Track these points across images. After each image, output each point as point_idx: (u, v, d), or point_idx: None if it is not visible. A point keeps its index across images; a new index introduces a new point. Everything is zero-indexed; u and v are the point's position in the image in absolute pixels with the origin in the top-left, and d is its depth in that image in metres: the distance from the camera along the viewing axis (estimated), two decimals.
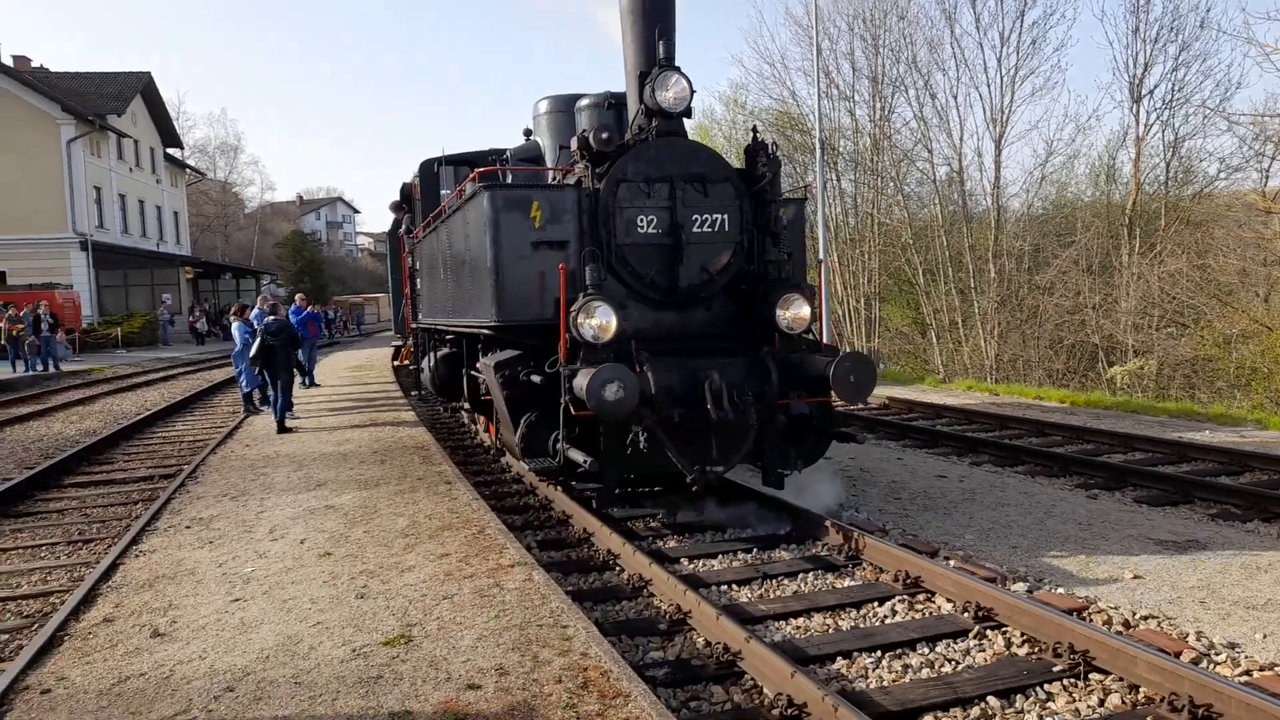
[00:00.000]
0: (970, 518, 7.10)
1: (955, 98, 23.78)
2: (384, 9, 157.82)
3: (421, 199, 12.18)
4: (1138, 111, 21.66)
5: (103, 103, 37.36)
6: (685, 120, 6.94)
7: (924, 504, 7.61)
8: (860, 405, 14.00)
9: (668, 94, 6.64)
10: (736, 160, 7.62)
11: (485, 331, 7.48)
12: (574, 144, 6.89)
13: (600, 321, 6.14)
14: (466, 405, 10.59)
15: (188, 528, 6.57)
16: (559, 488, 7.47)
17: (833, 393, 6.54)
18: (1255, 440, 10.17)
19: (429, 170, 11.88)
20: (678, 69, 6.68)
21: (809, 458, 7.13)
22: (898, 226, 25.31)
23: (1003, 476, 8.70)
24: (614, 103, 7.96)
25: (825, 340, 20.34)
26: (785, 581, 5.77)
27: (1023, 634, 4.75)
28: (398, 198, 14.95)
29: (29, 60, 39.75)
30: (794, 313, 6.78)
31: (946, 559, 6.03)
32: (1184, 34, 21.01)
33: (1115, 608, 5.10)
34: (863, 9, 25.29)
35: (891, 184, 25.46)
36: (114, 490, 8.84)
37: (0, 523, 7.62)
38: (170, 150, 46.75)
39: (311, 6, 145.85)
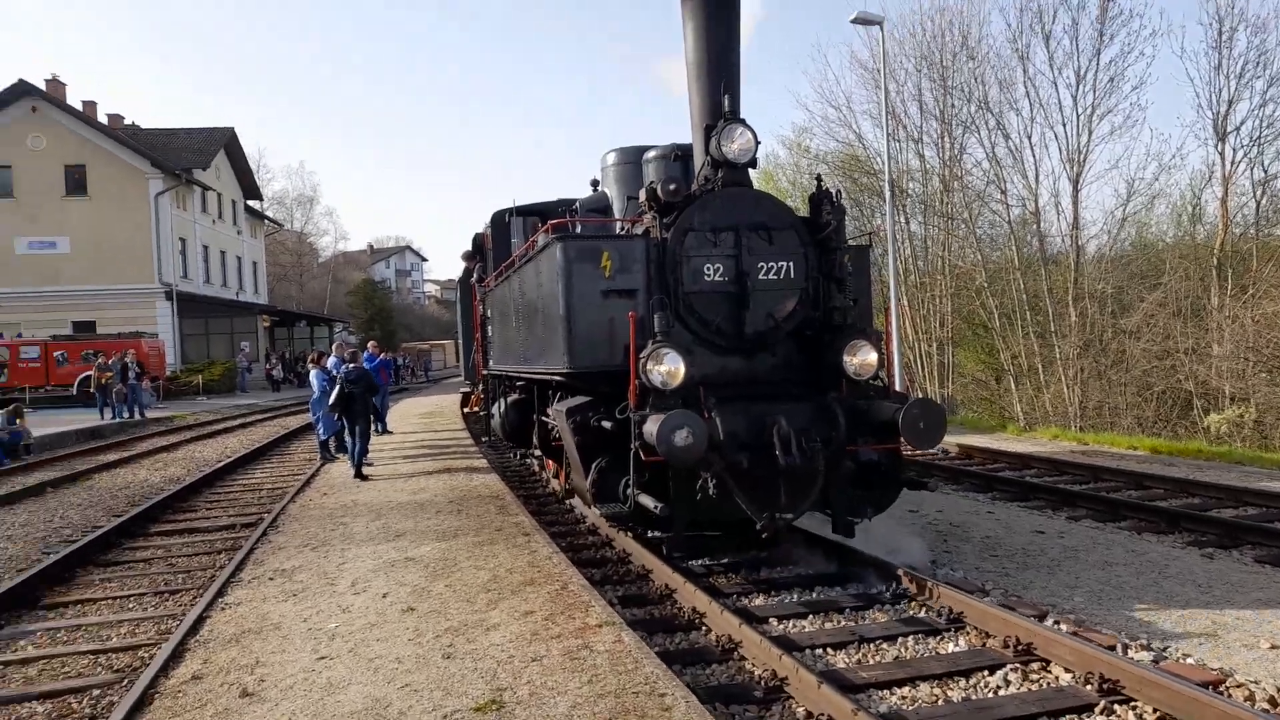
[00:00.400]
0: (1076, 577, 6.67)
1: (1030, 138, 23.28)
2: (458, 63, 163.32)
3: (493, 248, 12.43)
4: (1223, 149, 20.89)
5: (188, 157, 39.12)
6: (749, 169, 7.06)
7: (1023, 561, 7.20)
8: (939, 454, 13.59)
9: (733, 145, 6.80)
10: (801, 207, 7.59)
11: (557, 378, 7.53)
12: (642, 195, 7.05)
13: (669, 368, 6.23)
14: (537, 451, 10.59)
15: (271, 579, 6.56)
16: (630, 534, 7.48)
17: (902, 439, 6.48)
18: None
19: (500, 221, 12.12)
20: (743, 121, 6.85)
21: (879, 505, 7.04)
22: (971, 269, 24.73)
23: (1105, 533, 8.21)
24: (680, 154, 8.15)
25: (896, 387, 19.87)
26: (884, 645, 5.47)
27: (1155, 709, 4.37)
28: (469, 248, 15.33)
29: (122, 118, 41.96)
30: (861, 359, 6.79)
31: (1058, 623, 5.65)
32: (1271, 69, 20.27)
33: (1256, 681, 4.67)
34: (930, 50, 25.10)
35: (964, 225, 24.96)
36: (198, 539, 8.95)
37: (91, 571, 7.74)
38: (250, 202, 48.65)
39: (391, 57, 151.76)
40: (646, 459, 6.11)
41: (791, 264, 6.91)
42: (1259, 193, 20.55)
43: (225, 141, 43.04)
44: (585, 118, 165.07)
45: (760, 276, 6.83)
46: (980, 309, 24.25)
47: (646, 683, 4.11)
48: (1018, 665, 5.03)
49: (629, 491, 6.34)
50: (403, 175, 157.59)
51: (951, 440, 14.93)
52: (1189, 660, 5.00)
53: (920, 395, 7.16)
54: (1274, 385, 16.82)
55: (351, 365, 11.88)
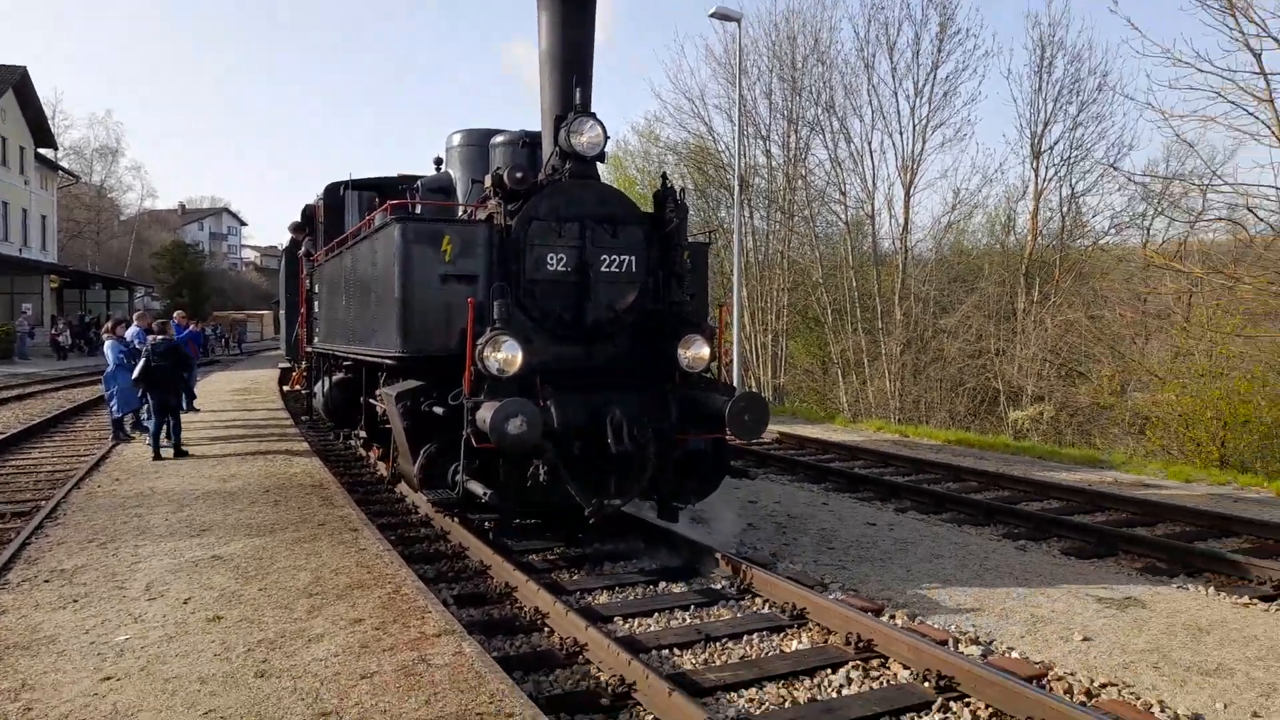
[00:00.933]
0: (908, 570, 6.88)
1: (870, 143, 24.39)
2: (296, 21, 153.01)
3: (324, 221, 11.88)
4: (1037, 166, 22.70)
5: None
6: (599, 160, 7.14)
7: (858, 554, 7.37)
8: (774, 444, 13.94)
9: (583, 139, 6.91)
10: (648, 195, 7.76)
11: (388, 361, 7.36)
12: (488, 180, 7.02)
13: (506, 355, 6.28)
14: (362, 434, 10.19)
15: (46, 582, 5.68)
16: (456, 519, 7.52)
17: (728, 430, 6.75)
18: (1167, 493, 10.41)
19: (334, 193, 11.62)
20: (593, 115, 6.95)
21: (701, 492, 7.38)
22: (809, 265, 25.65)
23: (930, 525, 8.58)
24: (528, 142, 8.13)
25: (735, 377, 20.41)
26: (730, 644, 5.38)
27: (988, 706, 4.49)
28: (298, 218, 14.45)
29: None
30: (694, 352, 7.05)
31: (893, 618, 5.77)
32: (1082, 95, 22.18)
33: (1073, 673, 4.91)
34: (782, 52, 25.72)
35: (804, 223, 25.83)
36: None
37: None
38: (42, 150, 43.52)
39: (223, 12, 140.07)
40: (478, 445, 6.16)
41: (634, 258, 7.06)
42: (1066, 208, 22.52)
43: (15, 81, 38.28)
44: (425, 93, 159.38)
45: (603, 269, 6.95)
46: (815, 304, 25.21)
47: (492, 700, 3.77)
48: (859, 663, 5.07)
49: (458, 478, 6.36)
50: (223, 132, 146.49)
51: (786, 430, 15.37)
52: (1014, 654, 5.20)
53: (748, 389, 7.51)
54: (1069, 385, 18.49)
55: (161, 337, 10.78)
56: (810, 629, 5.62)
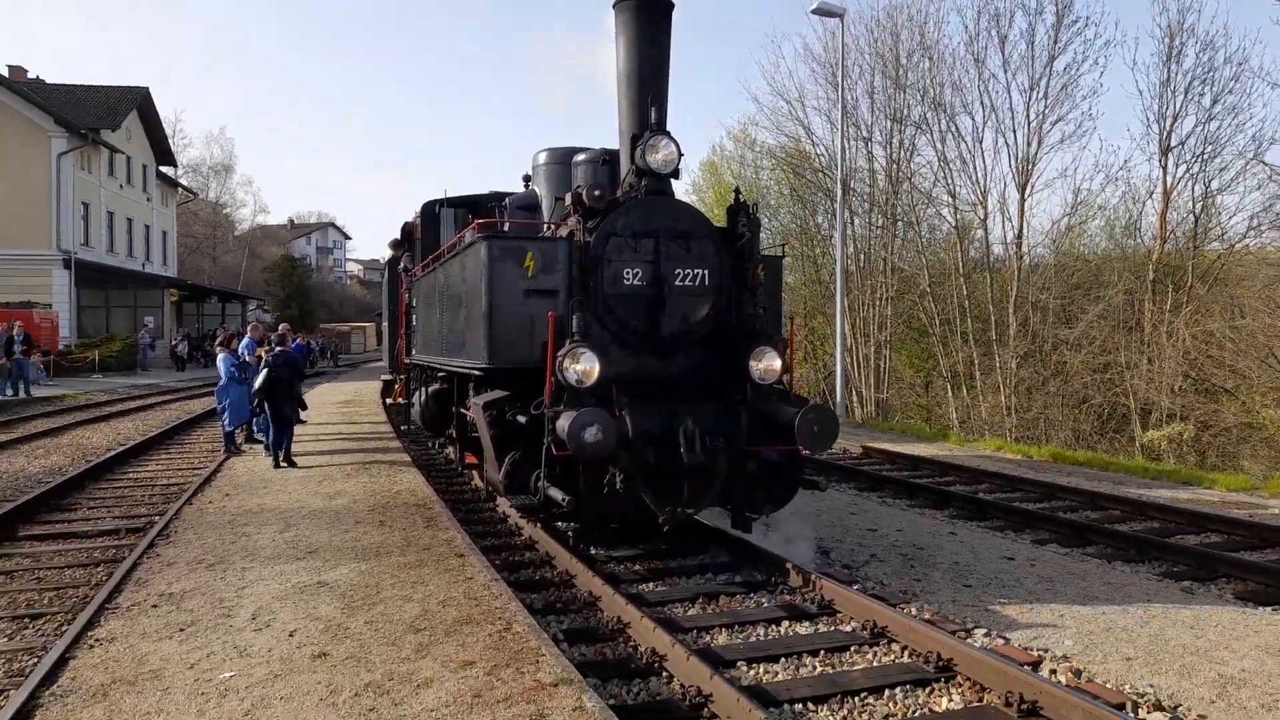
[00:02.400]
0: (1060, 616, 6.16)
1: (981, 142, 23.16)
2: (400, 40, 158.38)
3: (421, 238, 12.34)
4: (1165, 163, 21.06)
5: (97, 117, 36.49)
6: (674, 180, 7.36)
7: (1000, 593, 6.68)
8: (888, 466, 13.21)
9: (657, 156, 7.11)
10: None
11: (476, 372, 7.67)
12: (569, 198, 7.26)
13: (584, 367, 6.51)
14: (454, 439, 10.45)
15: (155, 607, 5.56)
16: (539, 525, 7.77)
17: (797, 441, 6.79)
18: None
19: (430, 211, 12.04)
20: (668, 134, 7.14)
21: (777, 503, 7.43)
22: (914, 272, 24.57)
23: (1076, 560, 7.79)
24: (608, 159, 8.37)
25: (838, 389, 19.62)
26: (871, 700, 4.83)
27: None
28: (398, 235, 15.10)
29: (24, 70, 38.95)
30: (766, 364, 7.16)
31: (1054, 673, 5.12)
32: (1217, 85, 20.48)
33: None
34: (885, 48, 24.80)
35: (910, 228, 24.78)
36: (74, 547, 7.81)
37: None
38: (163, 168, 45.85)
39: (327, 27, 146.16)
40: (557, 453, 6.37)
41: (707, 271, 7.22)
42: (1198, 208, 20.80)
43: (138, 102, 40.38)
44: (520, 111, 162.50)
45: (677, 282, 7.13)
46: (921, 313, 24.12)
47: None
48: None
49: (539, 484, 6.58)
50: (330, 150, 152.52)
51: (897, 449, 14.59)
52: None
53: (818, 401, 7.52)
54: (1211, 402, 16.98)
55: (280, 349, 11.32)
56: (960, 684, 5.01)
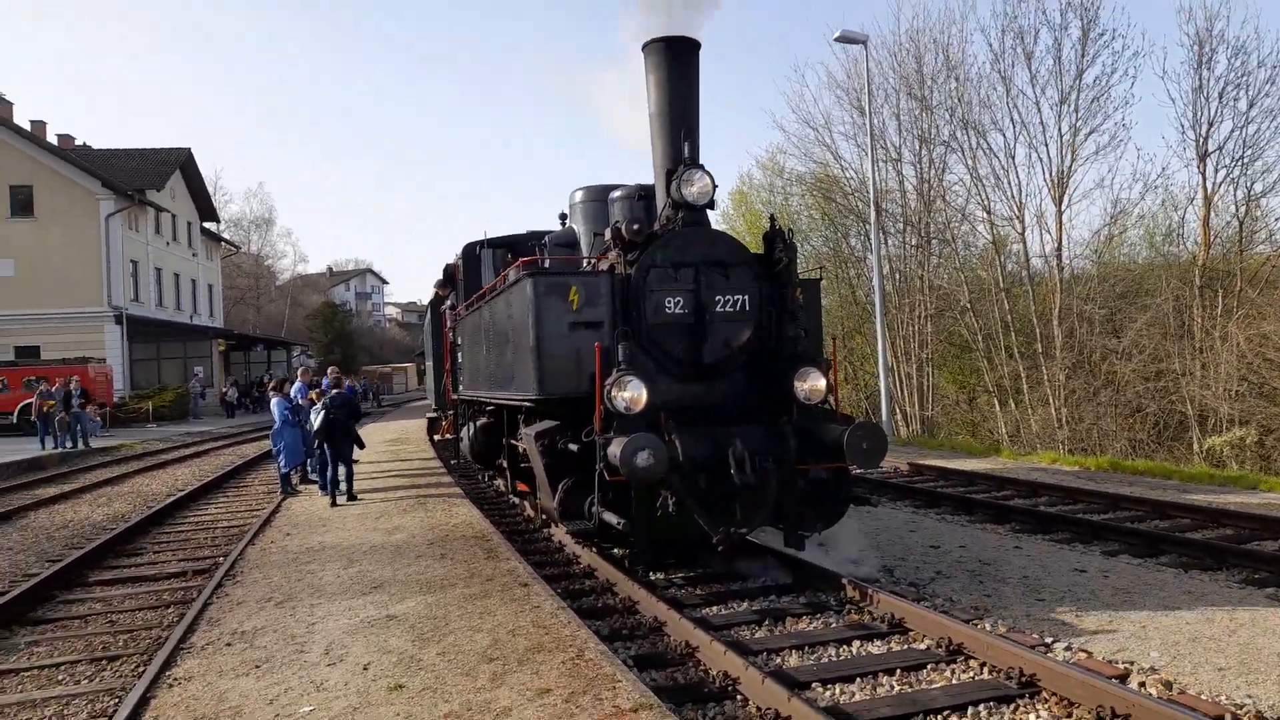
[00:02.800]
0: (1142, 628, 5.97)
1: (1014, 158, 22.95)
2: (421, 81, 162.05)
3: (463, 278, 12.76)
4: (1204, 169, 20.71)
5: (142, 178, 37.65)
6: (710, 209, 7.57)
7: (1075, 606, 6.49)
8: (942, 482, 12.99)
9: (693, 189, 7.31)
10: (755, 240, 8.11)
11: (526, 404, 7.91)
12: (608, 233, 7.55)
13: (632, 394, 6.68)
14: (505, 469, 10.73)
15: (229, 645, 5.62)
16: (595, 549, 7.95)
17: (847, 458, 6.90)
18: None
19: (471, 252, 12.44)
20: (701, 166, 7.34)
21: (828, 520, 7.49)
22: (954, 289, 24.30)
23: (1150, 570, 7.57)
24: (643, 195, 8.57)
25: (883, 407, 19.45)
26: (953, 718, 4.71)
27: None
28: (440, 277, 15.82)
29: (72, 138, 40.40)
30: (810, 384, 7.28)
31: (1143, 685, 4.95)
32: (1252, 89, 20.14)
33: None
34: (910, 70, 24.79)
35: (947, 245, 24.56)
36: (143, 590, 7.94)
37: (15, 633, 6.71)
38: (206, 224, 47.10)
39: (354, 69, 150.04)
40: (610, 479, 6.55)
41: (746, 297, 7.39)
42: (1241, 212, 20.38)
43: (181, 162, 41.62)
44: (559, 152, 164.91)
45: (718, 309, 7.30)
46: (963, 329, 23.80)
47: None
48: None
49: (593, 510, 6.74)
50: (364, 196, 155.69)
51: (948, 464, 14.35)
52: None
53: (868, 419, 7.58)
54: (1273, 405, 16.46)
55: (336, 391, 11.77)
56: (1047, 700, 4.87)
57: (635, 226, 7.22)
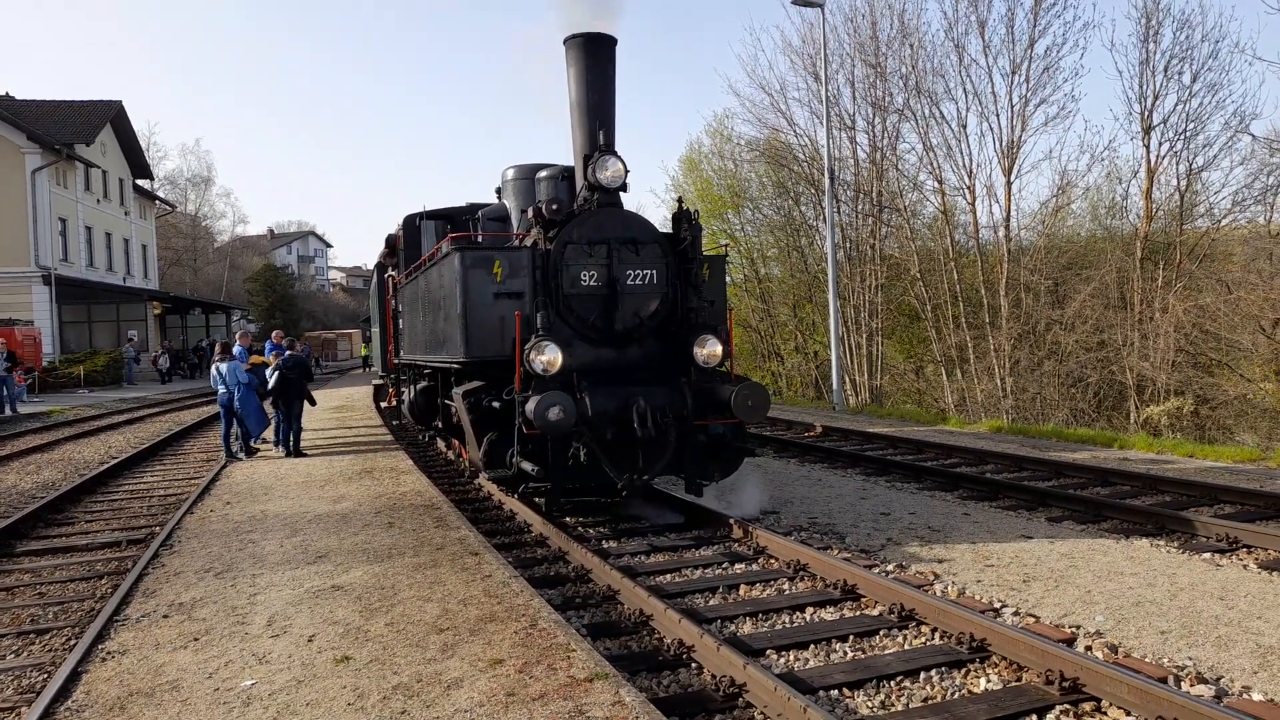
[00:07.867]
0: (1087, 593, 6.08)
1: (965, 127, 23.13)
2: (367, 44, 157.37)
3: (404, 249, 13.31)
4: (1148, 142, 21.11)
5: (71, 132, 35.95)
6: (623, 191, 8.32)
7: (1023, 573, 6.58)
8: (891, 450, 13.15)
9: (606, 174, 8.11)
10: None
11: (455, 366, 8.74)
12: (530, 211, 8.28)
13: (548, 358, 7.44)
14: (440, 427, 11.59)
15: (165, 617, 5.40)
16: (515, 495, 8.67)
17: (733, 413, 7.78)
18: None
19: (411, 224, 13.04)
20: (614, 153, 8.14)
21: (725, 470, 8.48)
22: (905, 259, 24.52)
23: (1094, 536, 7.72)
24: (567, 175, 9.20)
25: (834, 378, 19.57)
26: (907, 683, 4.73)
27: None
28: (385, 247, 16.26)
29: None
30: (709, 350, 8.15)
31: (1089, 649, 5.04)
32: (1196, 63, 20.53)
33: None
34: (865, 37, 24.74)
35: (898, 214, 24.73)
36: (75, 560, 7.61)
37: None
38: (140, 181, 45.29)
39: (299, 32, 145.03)
40: (528, 432, 7.36)
41: (654, 272, 8.20)
42: (1183, 185, 20.83)
43: (112, 115, 39.78)
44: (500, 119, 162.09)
45: (628, 282, 8.10)
46: (912, 298, 24.07)
47: None
48: (1068, 706, 4.37)
49: (513, 459, 7.60)
50: (308, 157, 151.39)
51: (897, 433, 14.53)
52: (1252, 695, 4.42)
53: (748, 379, 8.33)
54: (1207, 376, 16.99)
55: (290, 353, 12.55)
56: (996, 664, 4.93)
57: (554, 206, 7.96)
